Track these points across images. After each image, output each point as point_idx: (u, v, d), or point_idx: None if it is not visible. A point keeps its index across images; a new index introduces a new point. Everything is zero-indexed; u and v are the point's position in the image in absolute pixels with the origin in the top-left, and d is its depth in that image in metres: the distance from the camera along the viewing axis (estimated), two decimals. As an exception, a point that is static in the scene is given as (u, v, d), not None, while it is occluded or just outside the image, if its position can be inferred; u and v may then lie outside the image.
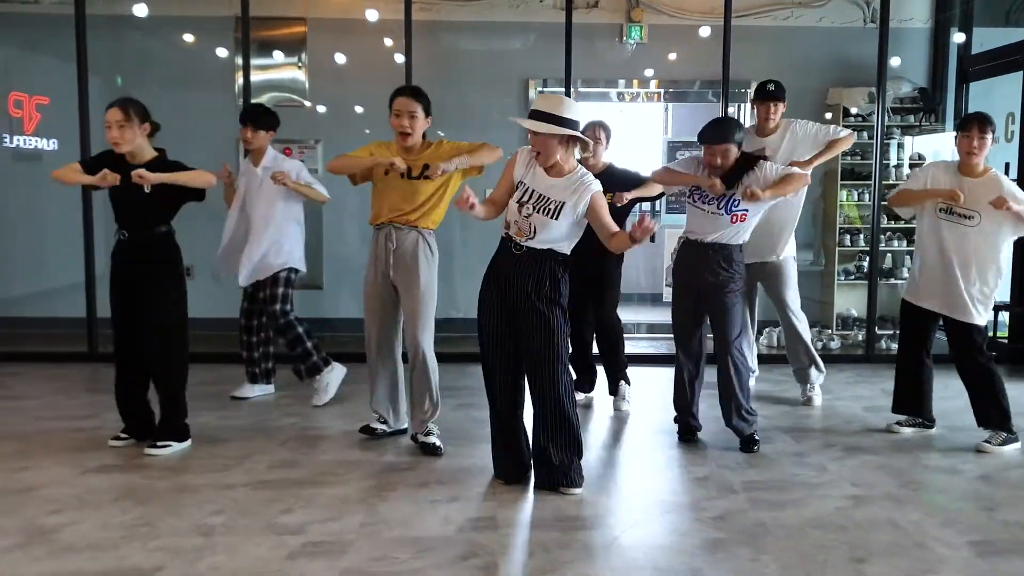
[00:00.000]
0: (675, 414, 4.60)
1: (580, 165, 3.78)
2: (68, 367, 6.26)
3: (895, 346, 7.32)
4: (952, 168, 4.47)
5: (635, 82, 8.06)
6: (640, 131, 9.50)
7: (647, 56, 7.86)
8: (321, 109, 7.67)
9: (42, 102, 7.52)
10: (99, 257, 6.51)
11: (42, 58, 7.51)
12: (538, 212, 3.62)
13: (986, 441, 4.45)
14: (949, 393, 5.02)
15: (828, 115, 7.79)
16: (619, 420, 5.02)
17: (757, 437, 4.42)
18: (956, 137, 4.47)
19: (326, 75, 7.70)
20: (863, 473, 4.03)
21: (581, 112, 3.68)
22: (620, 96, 8.13)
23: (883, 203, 6.98)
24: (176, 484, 3.79)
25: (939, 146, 7.90)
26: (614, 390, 5.29)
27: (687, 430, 4.54)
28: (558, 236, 3.65)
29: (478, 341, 3.83)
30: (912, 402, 4.74)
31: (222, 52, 7.61)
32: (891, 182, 7.44)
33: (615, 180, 4.99)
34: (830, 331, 7.64)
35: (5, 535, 3.22)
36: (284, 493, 3.67)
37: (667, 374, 4.61)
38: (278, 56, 7.70)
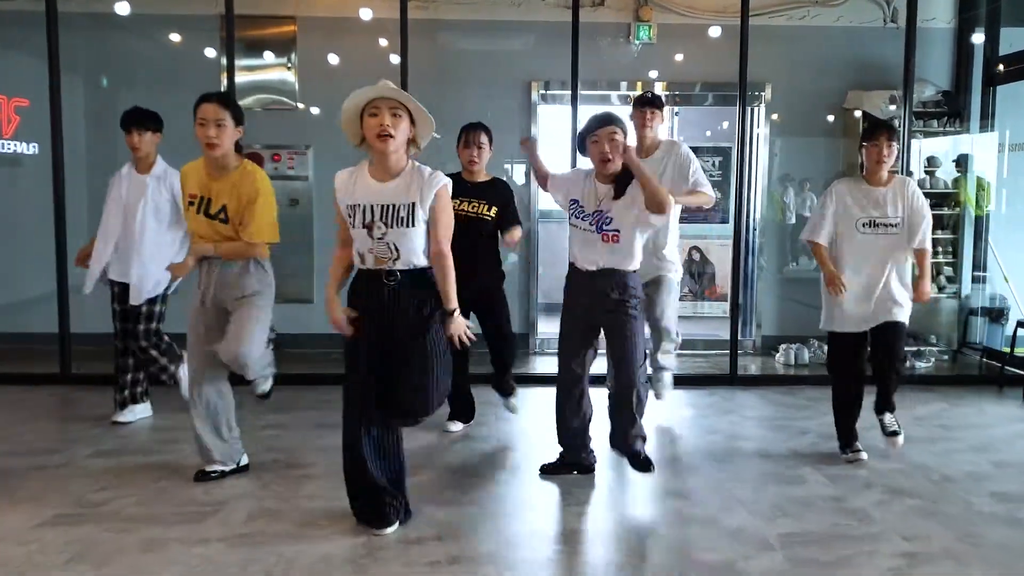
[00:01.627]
0: (561, 451, 4.18)
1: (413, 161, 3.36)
2: (36, 391, 5.81)
3: (921, 364, 7.01)
4: (858, 182, 4.39)
5: (641, 84, 7.65)
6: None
7: (655, 57, 7.45)
8: (314, 111, 7.26)
9: (21, 104, 7.11)
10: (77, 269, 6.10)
11: (22, 58, 7.09)
12: (393, 226, 3.19)
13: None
14: (987, 419, 4.60)
15: (831, 117, 7.44)
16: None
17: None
18: (862, 148, 4.37)
19: (317, 76, 7.28)
20: (913, 522, 3.61)
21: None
22: (626, 99, 7.70)
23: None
24: (142, 539, 3.33)
25: (950, 148, 7.50)
26: (509, 391, 4.98)
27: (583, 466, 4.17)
28: (420, 245, 3.27)
29: (347, 366, 3.38)
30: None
31: (208, 52, 7.21)
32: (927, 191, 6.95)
33: (497, 194, 4.65)
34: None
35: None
36: (263, 551, 3.23)
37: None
38: (266, 56, 7.28)
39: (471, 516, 3.61)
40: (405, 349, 3.26)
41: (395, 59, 6.31)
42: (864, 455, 4.43)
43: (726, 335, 6.54)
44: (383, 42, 7.07)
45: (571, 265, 4.04)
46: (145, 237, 4.77)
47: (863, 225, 4.29)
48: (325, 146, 7.12)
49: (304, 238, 7.14)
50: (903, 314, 4.33)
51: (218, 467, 4.03)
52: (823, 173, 7.71)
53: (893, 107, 7.27)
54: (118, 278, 4.87)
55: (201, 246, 3.81)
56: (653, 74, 7.51)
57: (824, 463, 4.41)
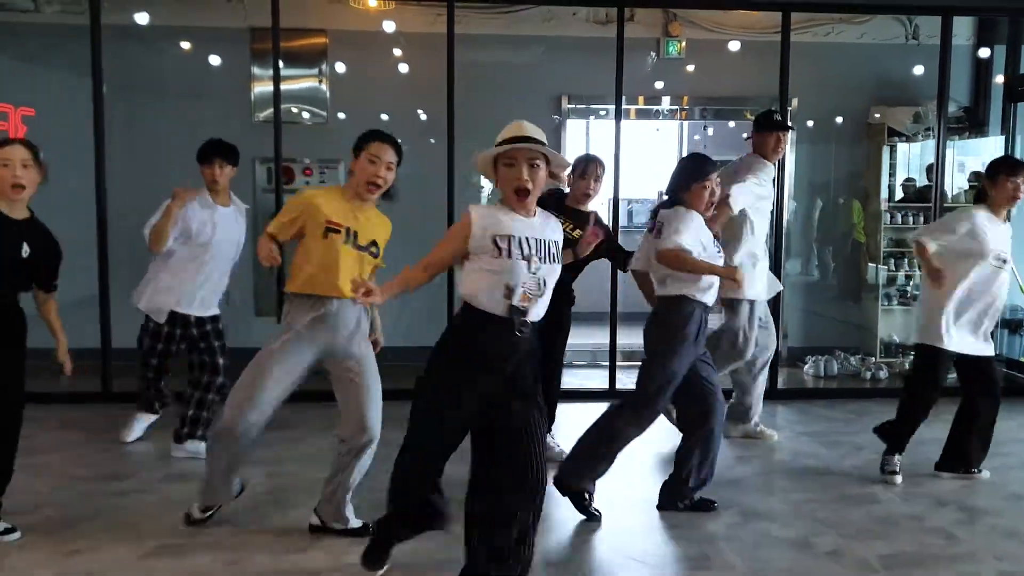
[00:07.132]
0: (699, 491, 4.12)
1: None
2: (81, 409, 5.75)
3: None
4: (991, 215, 4.41)
5: (670, 98, 7.76)
6: (675, 149, 9.26)
7: (684, 72, 7.56)
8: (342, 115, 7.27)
9: (28, 114, 7.02)
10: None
11: (29, 68, 7.01)
12: (546, 261, 2.96)
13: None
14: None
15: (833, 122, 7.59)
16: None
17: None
18: (998, 179, 4.38)
19: (349, 90, 7.29)
20: (998, 542, 3.73)
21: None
22: (656, 113, 7.80)
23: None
24: (245, 570, 3.35)
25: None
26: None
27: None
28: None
29: (422, 414, 2.99)
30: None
31: (236, 65, 7.18)
32: (949, 204, 6.88)
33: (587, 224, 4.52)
34: (874, 359, 7.36)
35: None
36: (382, 581, 3.27)
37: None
38: (298, 69, 7.25)
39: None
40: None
41: (422, 72, 6.36)
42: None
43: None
44: (414, 56, 7.14)
45: (695, 300, 3.91)
46: (228, 268, 4.78)
47: (996, 259, 4.35)
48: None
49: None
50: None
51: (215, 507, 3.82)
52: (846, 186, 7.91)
53: (917, 124, 7.43)
54: (200, 312, 4.69)
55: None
56: (685, 88, 7.63)
57: (889, 480, 4.51)
